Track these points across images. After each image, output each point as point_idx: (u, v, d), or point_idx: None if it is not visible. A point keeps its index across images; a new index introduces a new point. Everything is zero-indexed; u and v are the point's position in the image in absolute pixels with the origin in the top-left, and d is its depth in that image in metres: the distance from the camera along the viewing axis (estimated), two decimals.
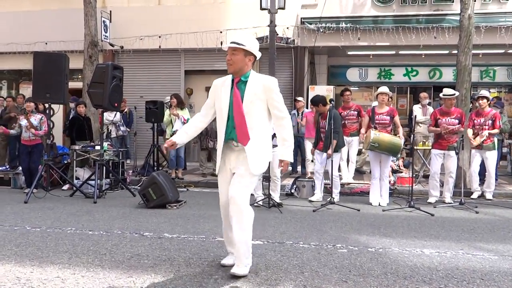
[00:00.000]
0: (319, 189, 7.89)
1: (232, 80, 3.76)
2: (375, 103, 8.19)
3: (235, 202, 3.64)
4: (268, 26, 10.61)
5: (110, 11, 13.06)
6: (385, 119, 7.56)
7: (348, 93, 9.49)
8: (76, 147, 9.09)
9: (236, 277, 3.67)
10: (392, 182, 8.83)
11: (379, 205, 7.49)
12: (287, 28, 11.96)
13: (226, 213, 3.84)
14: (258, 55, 3.78)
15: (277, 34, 11.05)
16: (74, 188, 8.33)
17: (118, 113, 10.53)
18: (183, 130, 4.02)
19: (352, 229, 5.73)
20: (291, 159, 3.78)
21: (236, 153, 3.78)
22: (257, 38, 12.00)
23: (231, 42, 3.74)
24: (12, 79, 15.35)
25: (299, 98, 10.46)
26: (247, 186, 3.69)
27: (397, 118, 7.64)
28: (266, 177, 7.42)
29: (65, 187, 8.84)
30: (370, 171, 7.92)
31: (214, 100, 3.86)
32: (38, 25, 13.26)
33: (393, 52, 12.75)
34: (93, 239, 4.98)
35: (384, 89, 7.65)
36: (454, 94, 7.75)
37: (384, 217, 6.57)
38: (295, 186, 8.56)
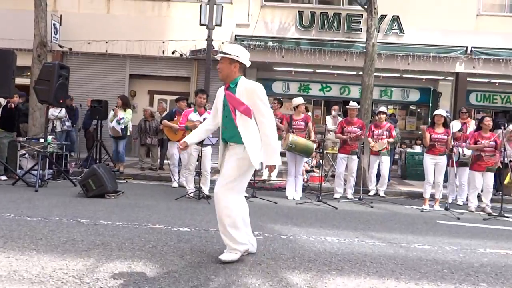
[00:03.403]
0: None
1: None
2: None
3: (215, 197, 3.66)
4: (206, 40, 10.53)
5: (61, 15, 12.33)
6: (301, 125, 7.74)
7: (275, 101, 9.59)
8: (21, 139, 8.47)
9: (221, 262, 3.61)
10: (305, 179, 9.05)
11: (294, 199, 7.64)
12: (223, 43, 11.91)
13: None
14: (244, 62, 3.69)
15: (214, 48, 10.99)
16: (16, 177, 7.74)
17: (63, 109, 9.95)
18: (196, 133, 4.03)
19: (269, 219, 5.79)
20: (276, 162, 3.57)
21: (228, 151, 3.72)
22: (195, 50, 11.89)
23: (220, 52, 3.80)
24: None
25: None
26: (228, 182, 3.61)
27: (310, 125, 7.84)
28: (198, 172, 7.33)
29: (3, 177, 8.16)
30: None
31: (216, 104, 3.84)
32: None
33: (311, 70, 13.10)
34: (30, 224, 4.65)
35: (301, 100, 7.83)
36: (356, 106, 8.11)
37: (297, 209, 6.70)
38: None
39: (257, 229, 5.05)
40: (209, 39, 10.45)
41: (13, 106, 8.53)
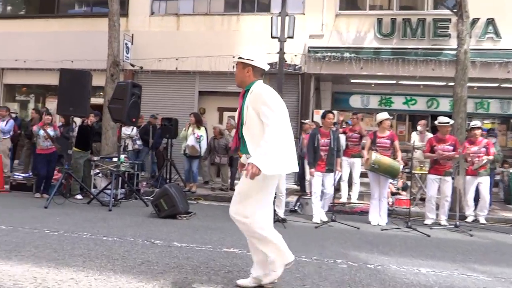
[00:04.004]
0: (318, 211, 7.45)
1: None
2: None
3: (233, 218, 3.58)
4: (278, 53, 10.66)
5: (132, 34, 13.20)
6: (386, 143, 7.50)
7: (355, 116, 9.51)
8: (95, 158, 9.08)
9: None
10: (390, 203, 8.72)
11: (378, 224, 7.38)
12: (295, 55, 12.01)
13: None
14: (259, 65, 3.61)
15: (286, 61, 11.08)
16: (91, 196, 8.29)
17: (135, 128, 10.55)
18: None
19: (352, 246, 5.63)
20: (259, 165, 3.25)
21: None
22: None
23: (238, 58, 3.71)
24: (39, 93, 15.48)
25: (306, 121, 10.43)
26: (239, 202, 3.53)
27: (396, 143, 7.57)
28: None
29: (79, 196, 8.77)
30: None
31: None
32: (65, 45, 13.40)
33: (393, 82, 12.74)
34: (106, 244, 4.92)
35: (386, 115, 7.61)
36: (449, 123, 7.69)
37: (383, 236, 6.46)
38: (298, 203, 8.48)
39: (340, 256, 4.93)
40: (281, 52, 10.57)
41: (89, 123, 9.22)
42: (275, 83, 10.64)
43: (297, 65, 12.05)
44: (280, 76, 10.56)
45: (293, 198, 9.11)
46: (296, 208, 8.44)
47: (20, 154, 12.57)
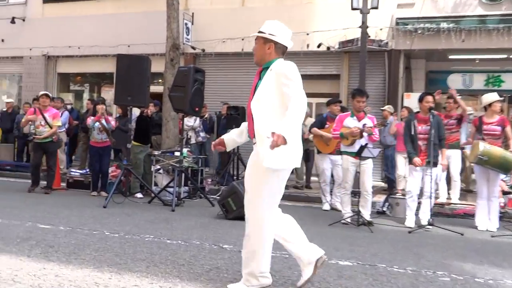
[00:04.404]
0: (412, 214, 7.20)
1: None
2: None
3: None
4: (360, 27, 10.44)
5: (193, 13, 13.51)
6: (496, 130, 7.09)
7: (451, 100, 9.03)
8: (156, 153, 9.41)
9: None
10: (502, 204, 8.25)
11: (487, 230, 7.02)
12: (380, 29, 11.69)
13: None
14: (282, 41, 3.63)
15: (369, 36, 10.85)
16: (152, 195, 8.63)
17: (198, 119, 10.79)
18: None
19: (455, 255, 5.40)
20: (285, 134, 3.17)
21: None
22: (345, 41, 11.88)
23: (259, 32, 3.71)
24: (94, 82, 16.35)
25: (385, 107, 10.13)
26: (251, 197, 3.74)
27: (508, 129, 7.13)
28: (356, 192, 7.23)
29: (139, 195, 9.17)
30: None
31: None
32: (121, 28, 14.03)
33: (503, 56, 12.03)
34: (171, 248, 5.08)
35: (495, 96, 7.19)
36: None
37: (494, 244, 6.15)
38: (387, 203, 8.28)
39: (440, 267, 4.74)
40: (364, 26, 10.33)
41: (149, 113, 9.56)
42: (356, 63, 10.47)
43: (382, 40, 11.71)
44: (363, 54, 10.34)
45: (381, 198, 8.90)
46: (385, 209, 8.26)
47: (77, 149, 13.33)
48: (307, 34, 12.27)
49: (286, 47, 3.69)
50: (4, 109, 13.87)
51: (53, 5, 15.81)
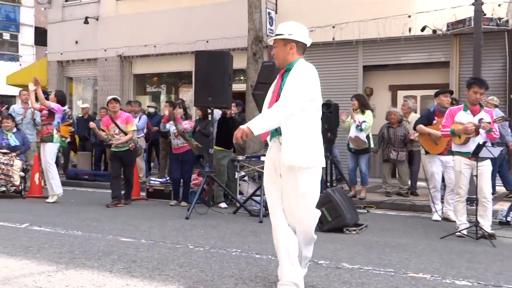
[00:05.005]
0: None
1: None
2: None
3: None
4: (473, 4, 10.04)
5: (276, 1, 13.65)
6: None
7: None
8: (240, 158, 9.60)
9: None
10: None
11: None
12: (499, 5, 11.16)
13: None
14: (302, 40, 4.13)
15: (485, 14, 10.41)
16: (238, 204, 8.83)
17: None
18: None
19: None
20: (254, 130, 3.75)
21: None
22: (455, 22, 11.46)
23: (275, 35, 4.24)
24: (171, 82, 17.00)
25: (488, 99, 9.51)
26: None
27: None
28: (472, 199, 6.96)
29: (223, 204, 9.40)
30: None
31: (271, 91, 4.32)
32: (198, 22, 14.49)
33: None
34: (260, 264, 5.18)
35: None
36: None
37: None
38: None
39: None
40: (478, 2, 9.93)
41: (232, 114, 9.78)
42: (469, 48, 10.07)
43: (501, 18, 11.17)
44: (478, 36, 9.94)
45: (504, 205, 8.51)
46: (509, 219, 7.87)
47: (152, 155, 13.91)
48: (409, 16, 12.00)
49: (306, 45, 4.19)
50: (80, 115, 14.79)
51: (127, 1, 16.63)
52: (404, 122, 10.37)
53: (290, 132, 3.93)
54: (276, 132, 4.07)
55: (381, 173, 11.04)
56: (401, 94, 13.03)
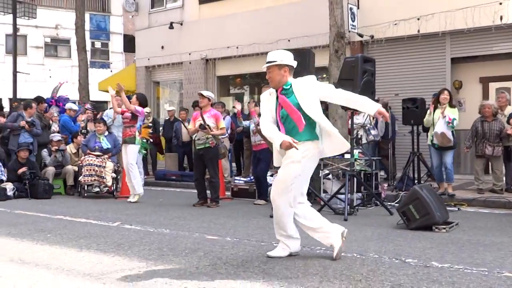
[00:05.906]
0: None
1: (276, 91, 5.15)
2: None
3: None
4: None
5: None
6: None
7: None
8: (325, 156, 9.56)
9: None
10: None
11: None
12: None
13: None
14: (292, 63, 5.14)
15: None
16: (322, 203, 8.78)
17: (368, 115, 10.69)
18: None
19: None
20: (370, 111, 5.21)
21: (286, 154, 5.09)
22: None
23: (266, 63, 5.12)
24: (254, 83, 17.19)
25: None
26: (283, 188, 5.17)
27: None
28: None
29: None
30: None
31: (268, 108, 5.24)
32: (280, 21, 14.55)
33: None
34: (345, 261, 5.12)
35: None
36: None
37: None
38: None
39: None
40: None
41: None
42: None
43: None
44: None
45: None
46: None
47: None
48: (500, 3, 11.44)
49: (294, 67, 5.18)
50: (167, 118, 15.30)
51: (209, 5, 17.00)
52: (499, 116, 9.93)
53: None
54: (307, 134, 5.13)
55: (473, 169, 10.60)
56: (492, 86, 12.50)
